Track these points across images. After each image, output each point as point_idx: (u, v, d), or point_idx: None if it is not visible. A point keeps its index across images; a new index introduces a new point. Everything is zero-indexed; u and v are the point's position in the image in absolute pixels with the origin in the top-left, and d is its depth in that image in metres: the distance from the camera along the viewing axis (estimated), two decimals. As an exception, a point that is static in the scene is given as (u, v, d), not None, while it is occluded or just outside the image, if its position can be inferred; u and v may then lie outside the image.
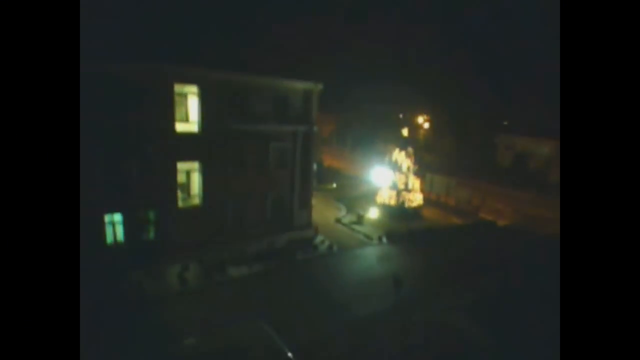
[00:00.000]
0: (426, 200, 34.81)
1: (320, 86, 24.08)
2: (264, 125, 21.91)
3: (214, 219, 21.25)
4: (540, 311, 16.36)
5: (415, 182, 30.26)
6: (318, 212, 30.19)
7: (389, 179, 30.38)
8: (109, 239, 18.37)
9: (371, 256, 22.61)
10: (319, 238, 24.13)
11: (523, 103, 53.00)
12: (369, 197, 33.09)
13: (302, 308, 16.22)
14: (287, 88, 22.93)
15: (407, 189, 29.99)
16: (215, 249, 20.37)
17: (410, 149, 30.51)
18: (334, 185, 40.69)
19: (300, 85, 23.33)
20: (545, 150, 49.65)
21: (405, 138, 31.38)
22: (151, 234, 19.52)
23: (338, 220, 28.59)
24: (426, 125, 38.81)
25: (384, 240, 25.06)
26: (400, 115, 31.70)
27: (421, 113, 41.70)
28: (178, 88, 18.92)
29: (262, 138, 22.20)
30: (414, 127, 39.57)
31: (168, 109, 18.53)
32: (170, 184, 19.48)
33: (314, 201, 34.77)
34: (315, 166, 39.62)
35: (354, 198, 34.91)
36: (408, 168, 30.20)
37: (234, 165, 21.49)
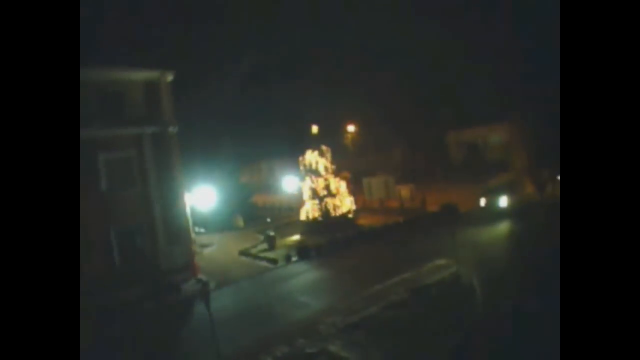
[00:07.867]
0: (367, 208, 28.84)
1: (169, 75, 18.45)
2: (83, 130, 15.75)
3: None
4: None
5: (338, 184, 24.21)
6: (223, 250, 23.65)
7: (305, 187, 24.27)
8: None
9: (260, 284, 15.95)
10: (193, 280, 17.16)
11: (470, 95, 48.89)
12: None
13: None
14: (121, 80, 17.20)
15: (330, 194, 23.84)
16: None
17: (324, 147, 24.74)
18: (268, 220, 34.89)
19: (139, 75, 17.68)
20: (500, 137, 45.10)
21: (315, 135, 25.79)
22: None
23: (244, 252, 21.79)
24: (352, 128, 33.62)
25: (294, 259, 18.43)
26: (314, 128, 26.36)
27: (351, 123, 36.89)
28: None
29: (85, 148, 15.91)
30: (343, 135, 34.40)
31: None
32: None
33: (228, 239, 28.34)
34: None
35: (284, 225, 28.59)
36: (326, 169, 24.27)
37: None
